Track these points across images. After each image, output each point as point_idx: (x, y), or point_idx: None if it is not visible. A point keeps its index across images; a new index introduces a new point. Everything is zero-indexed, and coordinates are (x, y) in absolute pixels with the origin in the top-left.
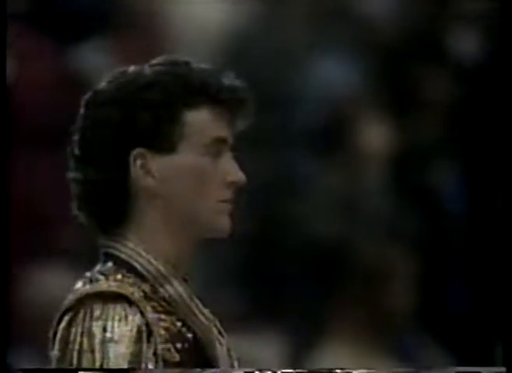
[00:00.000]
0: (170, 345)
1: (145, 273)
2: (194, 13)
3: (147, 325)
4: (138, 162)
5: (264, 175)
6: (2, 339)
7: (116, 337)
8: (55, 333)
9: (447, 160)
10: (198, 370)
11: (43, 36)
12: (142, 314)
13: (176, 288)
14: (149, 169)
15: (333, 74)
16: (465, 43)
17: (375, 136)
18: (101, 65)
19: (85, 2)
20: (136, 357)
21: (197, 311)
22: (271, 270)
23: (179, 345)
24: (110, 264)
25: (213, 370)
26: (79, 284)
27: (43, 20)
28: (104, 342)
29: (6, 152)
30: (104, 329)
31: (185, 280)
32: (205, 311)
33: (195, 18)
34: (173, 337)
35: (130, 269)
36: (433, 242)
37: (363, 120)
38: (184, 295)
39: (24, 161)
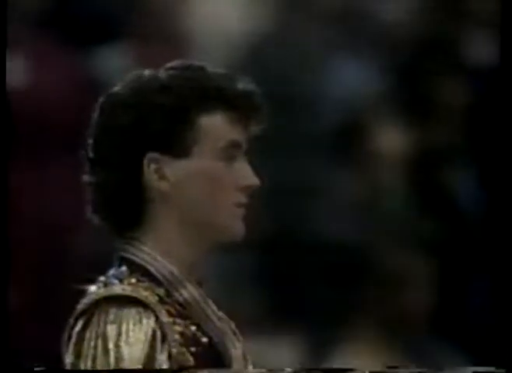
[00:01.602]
0: (184, 349)
1: (159, 277)
2: (212, 17)
3: (161, 329)
4: (152, 167)
5: (281, 178)
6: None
7: (130, 341)
8: (69, 337)
9: (464, 162)
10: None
11: (59, 40)
12: (157, 318)
13: (190, 292)
14: (163, 174)
15: (350, 77)
16: (482, 45)
17: (392, 138)
18: (119, 68)
19: (104, 5)
20: (150, 360)
21: (212, 315)
22: (288, 272)
23: (193, 349)
24: (124, 268)
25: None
26: (94, 288)
27: (60, 23)
28: (119, 345)
29: (21, 155)
30: (119, 333)
31: (200, 284)
32: (220, 314)
33: (213, 22)
34: (188, 341)
35: (144, 273)
36: (450, 244)
37: (380, 123)
38: (199, 299)
39: (40, 164)
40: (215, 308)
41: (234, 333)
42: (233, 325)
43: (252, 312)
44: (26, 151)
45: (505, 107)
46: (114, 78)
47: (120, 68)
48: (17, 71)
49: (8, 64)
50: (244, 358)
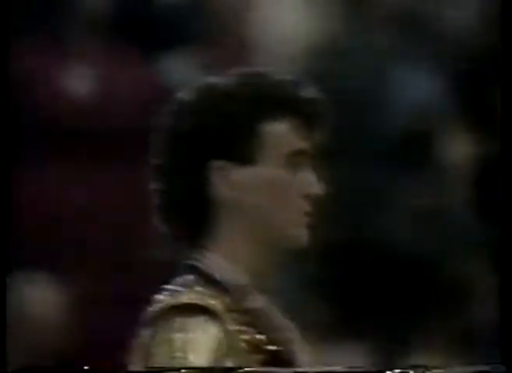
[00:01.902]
0: (250, 357)
1: (226, 284)
2: (277, 24)
3: (228, 337)
4: (218, 174)
5: (345, 187)
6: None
7: (197, 349)
8: (136, 344)
9: None
10: None
11: (124, 46)
12: (223, 326)
13: (257, 300)
14: (229, 181)
15: (415, 85)
16: None
17: (457, 147)
18: (184, 75)
19: (170, 11)
20: None
21: (278, 323)
22: (353, 281)
23: (259, 357)
24: (191, 276)
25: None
26: (161, 297)
27: (125, 29)
28: (185, 354)
29: (86, 161)
30: (185, 341)
31: (266, 292)
32: (287, 323)
33: (278, 29)
34: (254, 349)
35: (211, 281)
36: None
37: (445, 131)
38: (265, 307)
39: (105, 170)
40: (281, 316)
41: (300, 342)
42: (298, 334)
43: (318, 321)
44: (91, 157)
45: None
46: (180, 85)
47: (185, 75)
48: (83, 77)
49: (72, 70)
50: (310, 367)
